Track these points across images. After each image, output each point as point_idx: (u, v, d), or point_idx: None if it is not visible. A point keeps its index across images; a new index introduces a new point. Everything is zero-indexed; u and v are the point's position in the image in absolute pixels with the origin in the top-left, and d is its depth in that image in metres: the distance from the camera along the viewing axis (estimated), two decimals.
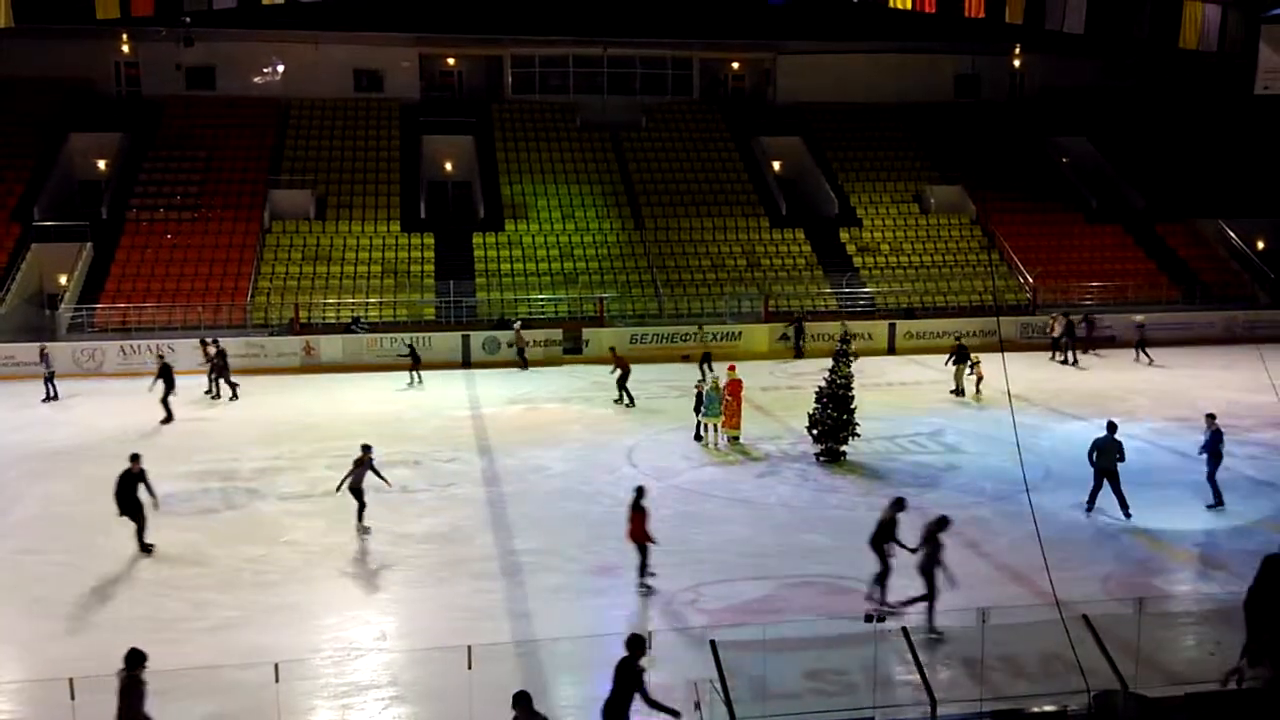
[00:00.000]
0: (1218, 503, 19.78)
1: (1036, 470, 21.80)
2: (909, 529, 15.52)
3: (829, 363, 24.04)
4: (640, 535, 16.07)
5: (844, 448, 23.40)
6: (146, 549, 17.77)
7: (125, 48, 46.33)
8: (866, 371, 31.49)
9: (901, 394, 31.23)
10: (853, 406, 23.16)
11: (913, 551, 14.93)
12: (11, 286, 37.81)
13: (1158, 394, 30.73)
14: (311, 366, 35.69)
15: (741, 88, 55.04)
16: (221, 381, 30.89)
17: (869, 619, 11.74)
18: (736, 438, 24.99)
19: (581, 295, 40.22)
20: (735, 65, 54.69)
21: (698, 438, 25.23)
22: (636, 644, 11.26)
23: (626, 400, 29.72)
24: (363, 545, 18.36)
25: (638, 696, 11.03)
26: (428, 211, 44.32)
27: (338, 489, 19.10)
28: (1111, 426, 19.58)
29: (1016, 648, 13.83)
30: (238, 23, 41.33)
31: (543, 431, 26.69)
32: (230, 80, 48.17)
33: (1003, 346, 33.45)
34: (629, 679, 11.04)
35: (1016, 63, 51.15)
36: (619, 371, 30.02)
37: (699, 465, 23.39)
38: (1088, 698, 11.48)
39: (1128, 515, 19.12)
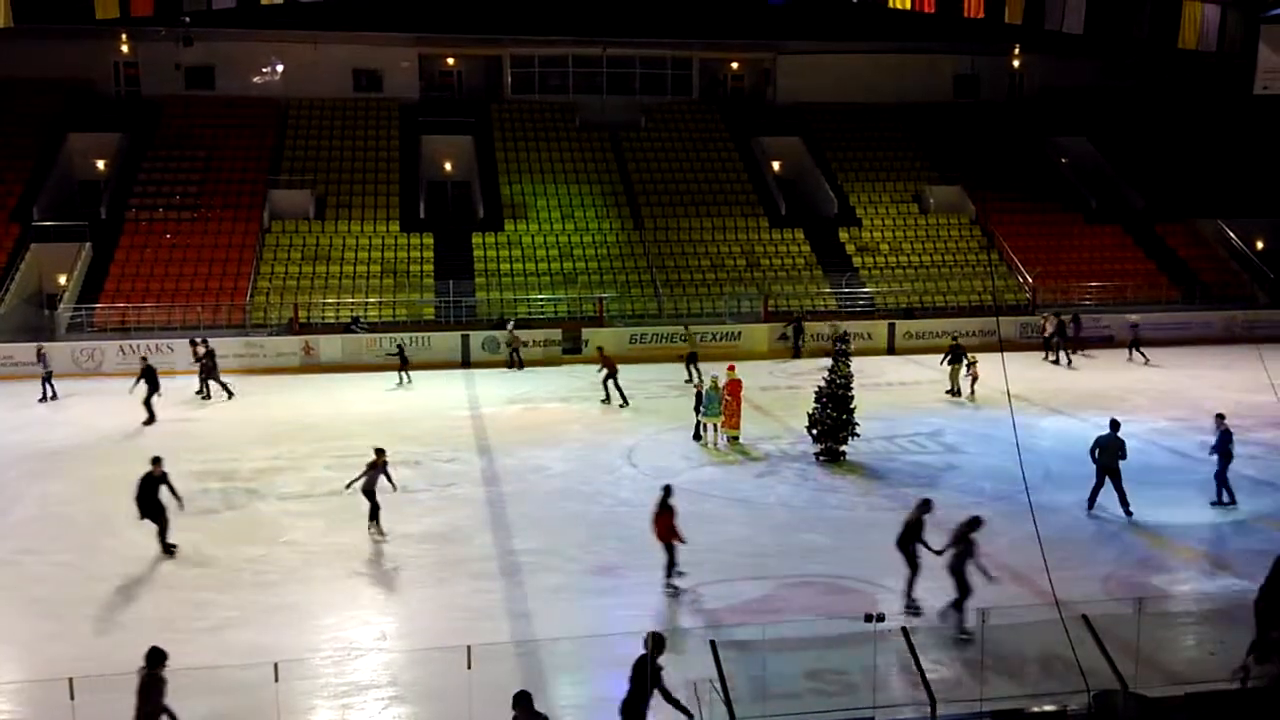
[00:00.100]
0: (1230, 501, 19.83)
1: (1036, 470, 21.80)
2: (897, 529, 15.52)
3: (828, 362, 24.05)
4: (667, 534, 16.02)
5: (843, 448, 23.40)
6: (169, 551, 17.68)
7: (124, 48, 46.34)
8: (866, 371, 31.48)
9: (901, 394, 31.23)
10: (852, 406, 23.16)
11: (937, 553, 14.92)
12: (11, 286, 37.80)
13: (1157, 394, 30.74)
14: (311, 366, 35.68)
15: (741, 88, 55.05)
16: (211, 382, 30.87)
17: (869, 618, 11.72)
18: (736, 437, 24.99)
19: (581, 295, 40.22)
20: (735, 65, 54.70)
21: (697, 437, 25.23)
22: (657, 642, 11.27)
23: (620, 400, 29.73)
24: (362, 545, 18.34)
25: (656, 693, 11.03)
26: (427, 211, 44.32)
27: (347, 487, 18.99)
28: (1114, 425, 19.61)
29: (1016, 648, 13.83)
30: (237, 23, 41.34)
31: (542, 431, 26.68)
32: (230, 80, 48.16)
33: (1002, 346, 33.42)
34: (648, 677, 11.04)
35: (1016, 63, 51.12)
36: (605, 371, 30.06)
37: (698, 465, 23.38)
38: (1088, 698, 11.49)
39: (1129, 514, 19.14)
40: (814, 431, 23.46)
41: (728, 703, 10.76)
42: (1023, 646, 13.86)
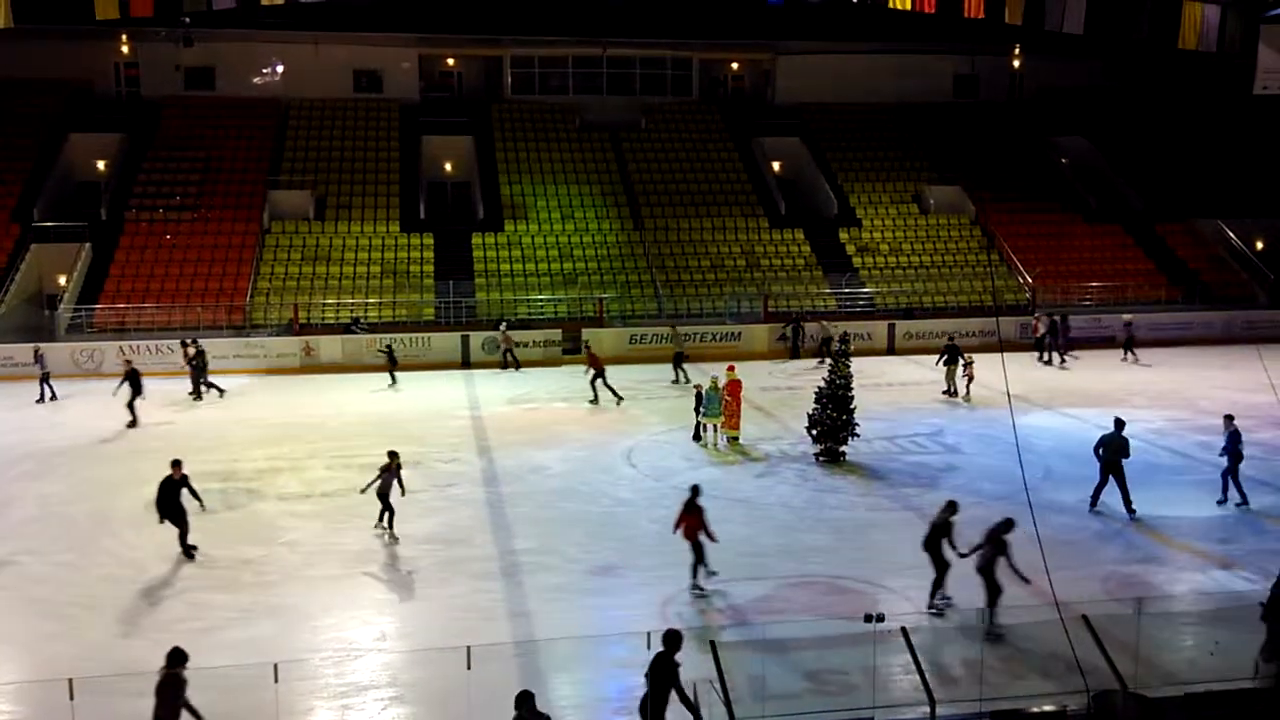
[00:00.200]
0: (1243, 501, 19.85)
1: (1036, 470, 21.81)
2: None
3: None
4: (694, 534, 16.00)
5: (843, 448, 23.40)
6: (189, 553, 17.61)
7: (125, 48, 46.35)
8: (866, 372, 31.48)
9: (901, 394, 31.22)
10: (852, 407, 23.16)
11: (962, 555, 14.92)
12: (11, 287, 37.81)
13: (1156, 394, 30.74)
14: (311, 367, 35.69)
15: (741, 88, 55.07)
16: (200, 383, 30.88)
17: (868, 619, 11.73)
18: (736, 438, 24.99)
19: (581, 295, 40.21)
20: (735, 65, 54.73)
21: (697, 438, 25.23)
22: (673, 639, 11.29)
23: (614, 398, 29.82)
24: (362, 546, 18.34)
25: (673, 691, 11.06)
26: (427, 212, 44.33)
27: (363, 491, 18.90)
28: (1119, 423, 19.67)
29: (1016, 648, 13.85)
30: (237, 23, 41.45)
31: (542, 432, 26.69)
32: (230, 81, 48.16)
33: (1002, 346, 33.51)
34: (666, 675, 11.05)
35: (1016, 63, 51.14)
36: (592, 372, 30.08)
37: (698, 466, 23.37)
38: (1087, 697, 11.49)
39: (1131, 512, 19.19)
40: (814, 432, 23.46)
41: (727, 703, 10.77)
42: (1022, 646, 13.88)
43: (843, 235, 44.91)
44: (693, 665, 11.53)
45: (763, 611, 15.38)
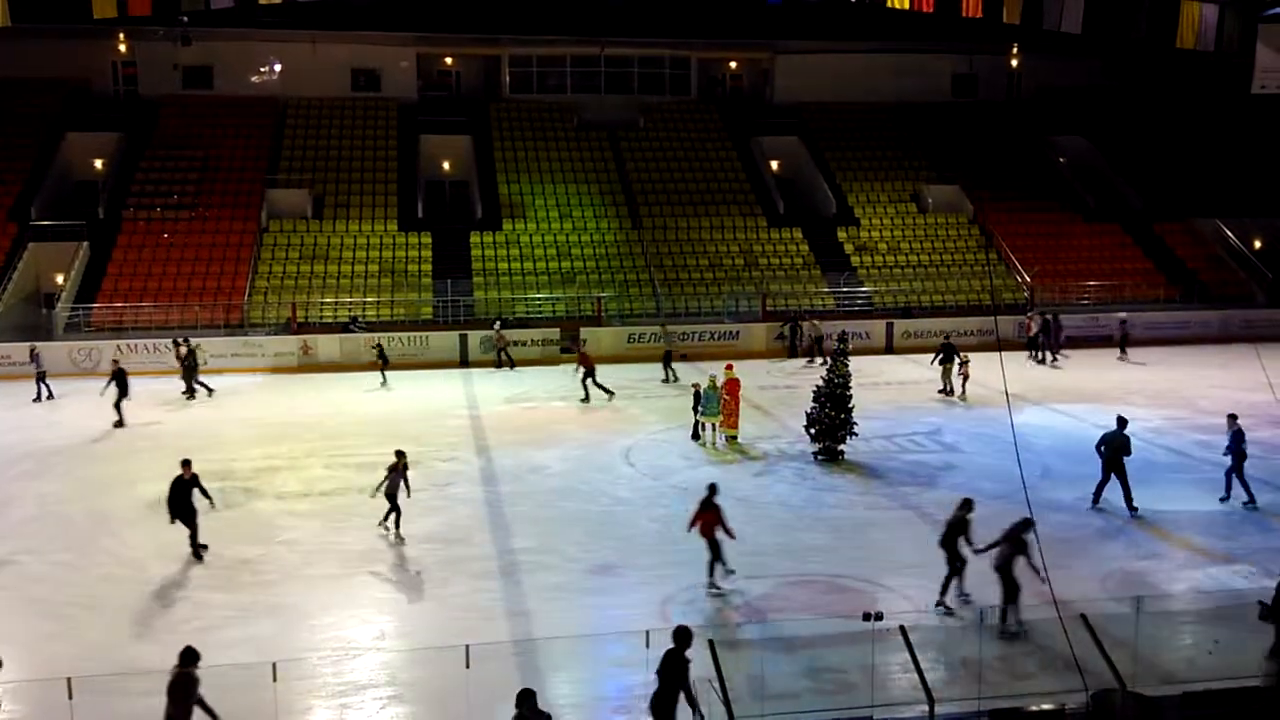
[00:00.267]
0: (1250, 500, 19.89)
1: (1034, 469, 21.82)
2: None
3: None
4: (710, 532, 16.01)
5: (842, 447, 23.40)
6: (199, 553, 17.55)
7: (122, 47, 46.32)
8: (864, 371, 31.51)
9: (899, 393, 31.23)
10: (850, 406, 23.16)
11: (977, 551, 14.96)
12: (8, 286, 37.78)
13: (1154, 392, 30.76)
14: (309, 366, 35.67)
15: (739, 87, 55.06)
16: (193, 382, 30.86)
17: (867, 617, 11.73)
18: (734, 437, 24.99)
19: (579, 295, 40.21)
20: (733, 65, 54.73)
21: (695, 437, 25.24)
22: (683, 636, 11.30)
23: (605, 394, 29.92)
24: (360, 545, 18.33)
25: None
26: (425, 211, 44.30)
27: (373, 495, 18.77)
28: (1121, 421, 19.76)
29: (1015, 647, 13.86)
30: (235, 22, 41.41)
31: (540, 431, 26.69)
32: (228, 80, 48.11)
33: (1000, 346, 33.52)
34: (675, 671, 11.06)
35: (1014, 62, 51.25)
36: (583, 371, 30.11)
37: (697, 465, 23.37)
38: (1086, 697, 11.50)
39: (1133, 510, 19.28)
40: (812, 431, 23.46)
41: (726, 702, 10.77)
42: (1021, 646, 13.89)
43: (841, 234, 44.92)
44: (691, 665, 11.52)
45: (761, 611, 15.38)
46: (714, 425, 25.01)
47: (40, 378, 30.74)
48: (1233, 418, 20.30)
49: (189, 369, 30.90)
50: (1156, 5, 30.58)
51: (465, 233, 42.80)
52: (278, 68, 48.28)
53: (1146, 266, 44.59)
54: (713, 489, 16.35)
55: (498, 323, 36.86)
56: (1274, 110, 41.08)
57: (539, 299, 39.88)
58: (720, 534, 16.05)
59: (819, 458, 23.32)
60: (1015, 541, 14.47)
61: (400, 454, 18.84)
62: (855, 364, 25.36)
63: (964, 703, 11.96)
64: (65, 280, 38.24)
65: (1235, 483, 19.98)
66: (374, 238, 41.91)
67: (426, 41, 50.25)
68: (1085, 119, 51.85)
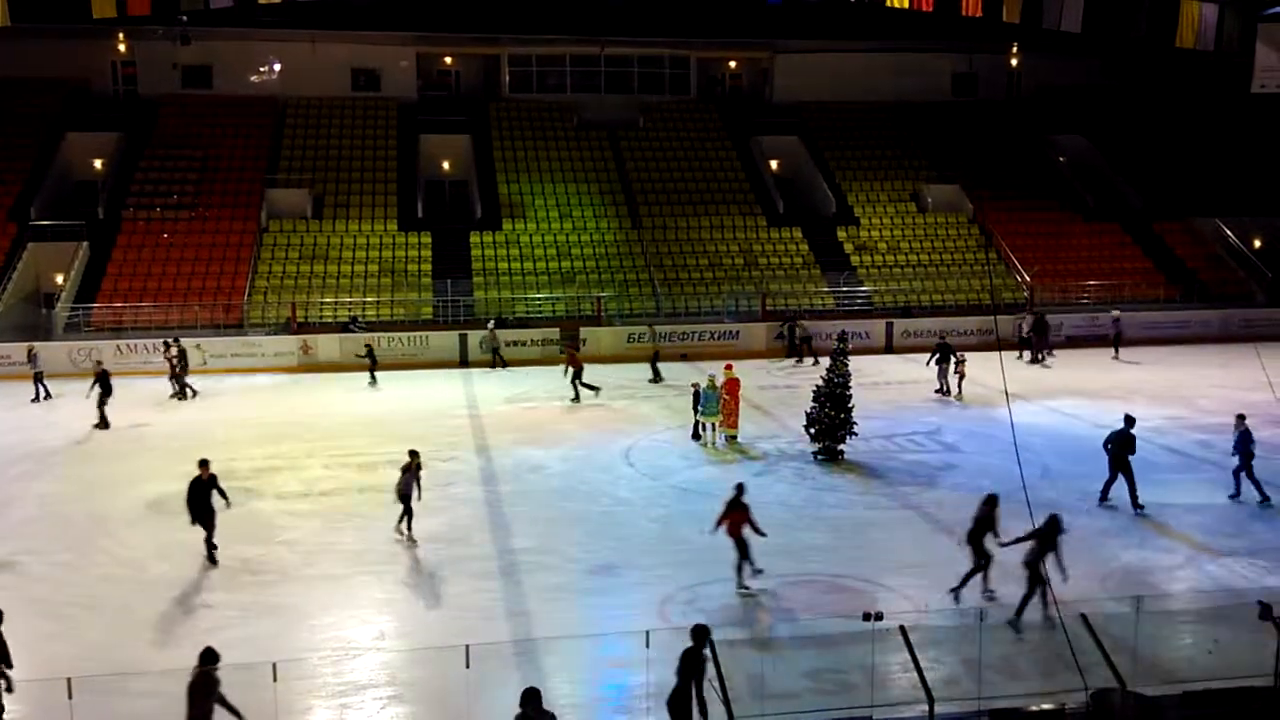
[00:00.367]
0: (1264, 499, 19.94)
1: (1034, 468, 21.80)
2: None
3: (824, 361, 24.06)
4: (737, 531, 16.00)
5: (842, 447, 23.40)
6: (213, 558, 17.29)
7: (122, 47, 46.30)
8: (864, 370, 31.52)
9: (899, 393, 31.23)
10: (850, 405, 23.16)
11: (1003, 545, 15.06)
12: (8, 286, 37.77)
13: (1154, 392, 30.75)
14: (309, 365, 35.67)
15: (739, 86, 55.06)
16: (175, 381, 30.81)
17: (867, 617, 11.73)
18: (734, 437, 24.99)
19: (579, 294, 40.21)
20: (733, 64, 54.73)
21: (695, 437, 25.24)
22: (701, 634, 11.30)
23: (592, 391, 30.08)
24: (360, 545, 18.32)
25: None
26: (425, 211, 44.29)
27: (397, 499, 18.67)
28: (1129, 420, 19.87)
29: (1014, 647, 13.86)
30: (234, 22, 41.44)
31: (540, 431, 26.69)
32: (227, 79, 48.09)
33: (1000, 345, 33.47)
34: (693, 669, 11.07)
35: (1014, 61, 51.27)
36: (572, 370, 30.15)
37: (696, 465, 23.38)
38: (1085, 696, 11.50)
39: (1138, 507, 19.40)
40: (812, 431, 23.46)
41: (726, 702, 10.78)
42: (1021, 645, 13.89)
43: (841, 234, 44.91)
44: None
45: (760, 610, 15.38)
46: (714, 425, 25.00)
47: (38, 378, 30.73)
48: (1241, 418, 20.35)
49: (178, 370, 30.84)
50: (1156, 4, 30.61)
51: (465, 232, 42.80)
52: (277, 67, 48.29)
53: (1146, 266, 44.59)
54: (740, 488, 16.36)
55: (491, 322, 36.86)
56: (1274, 110, 41.11)
57: (539, 299, 39.87)
58: (748, 533, 16.06)
59: (819, 457, 23.32)
60: (1045, 539, 14.63)
61: (414, 454, 18.67)
62: (855, 364, 25.35)
63: (964, 703, 11.96)
64: (65, 280, 38.24)
65: (1245, 482, 20.05)
66: (374, 238, 41.91)
67: (426, 41, 50.25)
68: (1085, 118, 51.85)
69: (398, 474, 18.62)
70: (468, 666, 11.35)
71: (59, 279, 38.53)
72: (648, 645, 11.69)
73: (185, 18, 35.77)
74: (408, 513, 18.49)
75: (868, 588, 16.15)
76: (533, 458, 23.98)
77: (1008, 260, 43.99)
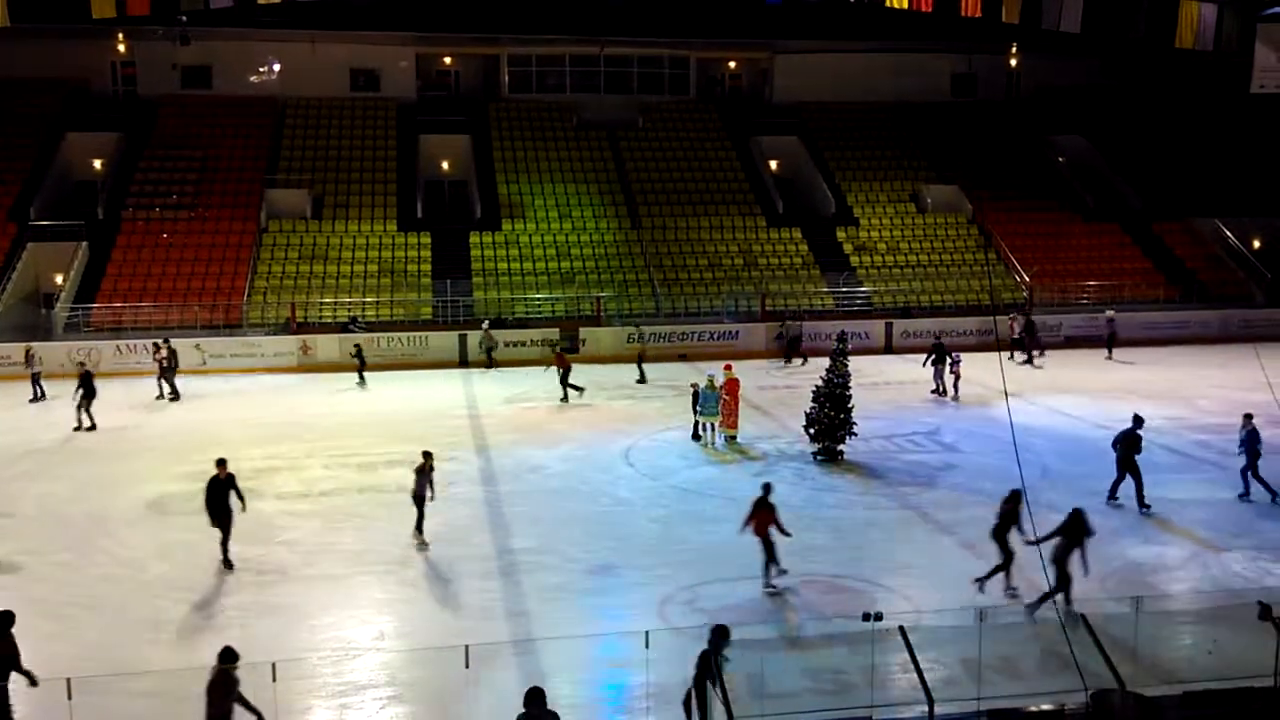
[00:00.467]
0: (1274, 497, 20.00)
1: (1033, 469, 21.81)
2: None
3: (824, 361, 24.06)
4: (765, 531, 16.03)
5: (841, 447, 23.40)
6: (229, 562, 17.06)
7: (121, 47, 46.32)
8: (863, 371, 31.52)
9: (898, 393, 31.23)
10: (850, 406, 23.16)
11: (1029, 543, 15.08)
12: (8, 286, 37.77)
13: (1154, 393, 30.74)
14: (308, 366, 35.67)
15: (738, 87, 55.07)
16: (164, 382, 30.75)
17: (867, 617, 11.73)
18: (734, 437, 25.00)
19: (579, 294, 40.21)
20: (732, 64, 54.75)
21: (695, 437, 25.23)
22: (720, 634, 11.30)
23: (576, 391, 30.15)
24: (360, 545, 18.32)
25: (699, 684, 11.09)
26: (424, 211, 44.28)
27: (413, 502, 18.55)
28: (1138, 420, 19.96)
29: (1014, 647, 13.85)
30: (234, 22, 41.43)
31: (540, 431, 26.69)
32: (226, 80, 48.10)
33: (999, 346, 33.54)
34: (709, 669, 11.07)
35: (1013, 62, 51.30)
36: (561, 371, 30.18)
37: (696, 465, 23.39)
38: (1085, 697, 11.50)
39: (1144, 507, 19.48)
40: (811, 431, 23.46)
41: (726, 702, 10.76)
42: (1020, 646, 13.88)
43: (840, 234, 44.92)
44: (691, 665, 11.53)
45: (761, 611, 15.39)
46: (713, 425, 25.00)
47: (35, 378, 30.71)
48: (1248, 417, 20.38)
49: (167, 370, 30.77)
50: (1155, 5, 30.62)
51: (464, 233, 42.80)
52: (277, 67, 48.28)
53: (1145, 266, 44.60)
54: (767, 488, 16.39)
55: (486, 322, 36.86)
56: (1273, 110, 41.13)
57: (538, 299, 39.87)
58: (776, 532, 16.09)
59: (818, 458, 23.32)
60: (1071, 534, 14.75)
61: (427, 455, 18.53)
62: (854, 364, 25.36)
63: (964, 703, 11.95)
64: (64, 280, 38.24)
65: (1254, 481, 20.10)
66: (373, 238, 41.90)
67: (425, 41, 50.26)
68: (1084, 118, 51.87)
69: (397, 474, 18.60)
70: (467, 666, 11.34)
71: (59, 279, 38.53)
72: (647, 645, 11.69)
73: (185, 18, 35.78)
74: (422, 515, 18.30)
75: (867, 588, 16.16)
76: (532, 458, 23.98)
77: (1007, 261, 44.00)
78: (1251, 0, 31.34)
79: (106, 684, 11.86)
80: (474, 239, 42.44)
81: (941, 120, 51.45)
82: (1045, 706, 11.72)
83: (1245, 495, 20.23)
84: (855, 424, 23.35)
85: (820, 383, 23.44)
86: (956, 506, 20.09)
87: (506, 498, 21.03)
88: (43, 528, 19.46)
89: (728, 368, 26.11)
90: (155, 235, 40.60)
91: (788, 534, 16.19)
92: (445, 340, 36.91)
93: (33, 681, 11.76)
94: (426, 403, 30.51)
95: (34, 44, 43.39)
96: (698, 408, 25.05)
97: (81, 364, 29.40)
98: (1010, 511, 15.57)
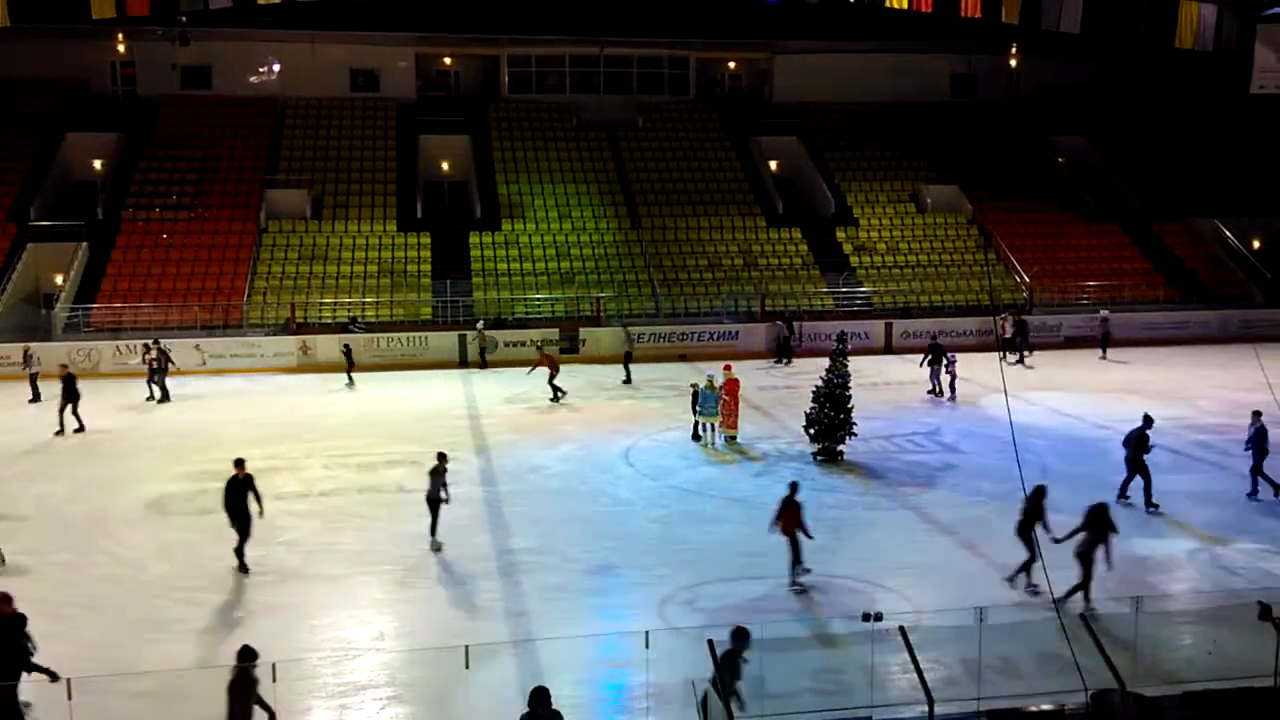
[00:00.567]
0: (1276, 493, 20.05)
1: (1033, 469, 21.79)
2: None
3: (824, 361, 24.06)
4: (792, 530, 16.08)
5: (841, 447, 23.40)
6: (244, 565, 16.95)
7: (121, 47, 46.33)
8: (863, 371, 31.52)
9: (898, 393, 31.23)
10: (850, 406, 23.16)
11: (1056, 541, 15.22)
12: (8, 286, 37.77)
13: (1154, 393, 30.74)
14: (308, 366, 35.67)
15: (738, 87, 55.08)
16: (154, 383, 30.72)
17: (867, 618, 11.73)
18: (734, 437, 25.00)
19: (578, 295, 40.21)
20: (732, 65, 54.76)
21: (695, 437, 25.23)
22: (742, 635, 11.31)
23: (558, 393, 30.21)
24: (360, 545, 18.32)
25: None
26: (424, 211, 44.29)
27: (427, 505, 18.42)
28: (1147, 420, 20.01)
29: (1014, 647, 13.84)
30: (234, 22, 41.45)
31: (540, 431, 26.69)
32: (226, 80, 48.11)
33: (999, 346, 33.52)
34: (731, 670, 11.08)
35: (1013, 62, 51.28)
36: (550, 372, 30.18)
37: (696, 465, 23.38)
38: (1085, 696, 11.50)
39: (1152, 506, 19.56)
40: (811, 431, 23.46)
41: (725, 703, 10.76)
42: (1020, 646, 13.87)
43: (840, 234, 44.93)
44: (691, 664, 11.54)
45: (760, 611, 15.37)
46: (713, 426, 25.00)
47: (34, 378, 30.70)
48: (1257, 414, 20.42)
49: (161, 371, 30.74)
50: (1155, 5, 30.62)
51: (464, 233, 42.80)
52: (276, 68, 48.29)
53: (1145, 266, 44.61)
54: (794, 487, 16.42)
55: (480, 322, 36.86)
56: (1273, 110, 41.13)
57: (538, 299, 39.87)
58: (800, 533, 16.15)
59: (818, 458, 23.31)
60: (1096, 528, 14.89)
61: (442, 456, 18.37)
62: (854, 364, 25.35)
63: (963, 703, 11.95)
64: (64, 281, 38.24)
65: (1270, 477, 20.14)
66: (373, 238, 41.91)
67: (425, 41, 50.27)
68: (1084, 119, 51.88)
69: (397, 474, 18.59)
70: (467, 666, 11.34)
71: (58, 279, 38.53)
72: (647, 645, 11.68)
73: (184, 18, 35.76)
74: (436, 518, 18.14)
75: (867, 588, 16.15)
76: (532, 458, 23.98)
77: (1007, 261, 44.01)
78: (1251, 0, 31.34)
79: (106, 684, 11.86)
80: (474, 239, 42.44)
81: (941, 120, 51.46)
82: (1045, 706, 11.72)
83: (1254, 494, 20.25)
84: (855, 424, 23.34)
85: (820, 383, 23.44)
86: (956, 506, 20.09)
87: (506, 498, 21.03)
88: (42, 528, 19.45)
89: (727, 368, 26.10)
90: (155, 235, 40.61)
91: (810, 536, 16.23)
92: (445, 340, 36.91)
93: (53, 678, 11.71)
94: (426, 403, 30.52)
95: (34, 44, 43.40)
96: (697, 408, 25.05)
97: (64, 366, 29.00)
98: (1034, 507, 15.68)
